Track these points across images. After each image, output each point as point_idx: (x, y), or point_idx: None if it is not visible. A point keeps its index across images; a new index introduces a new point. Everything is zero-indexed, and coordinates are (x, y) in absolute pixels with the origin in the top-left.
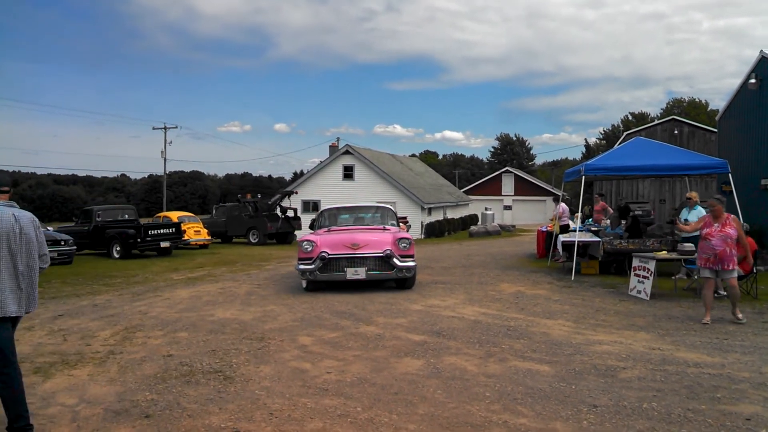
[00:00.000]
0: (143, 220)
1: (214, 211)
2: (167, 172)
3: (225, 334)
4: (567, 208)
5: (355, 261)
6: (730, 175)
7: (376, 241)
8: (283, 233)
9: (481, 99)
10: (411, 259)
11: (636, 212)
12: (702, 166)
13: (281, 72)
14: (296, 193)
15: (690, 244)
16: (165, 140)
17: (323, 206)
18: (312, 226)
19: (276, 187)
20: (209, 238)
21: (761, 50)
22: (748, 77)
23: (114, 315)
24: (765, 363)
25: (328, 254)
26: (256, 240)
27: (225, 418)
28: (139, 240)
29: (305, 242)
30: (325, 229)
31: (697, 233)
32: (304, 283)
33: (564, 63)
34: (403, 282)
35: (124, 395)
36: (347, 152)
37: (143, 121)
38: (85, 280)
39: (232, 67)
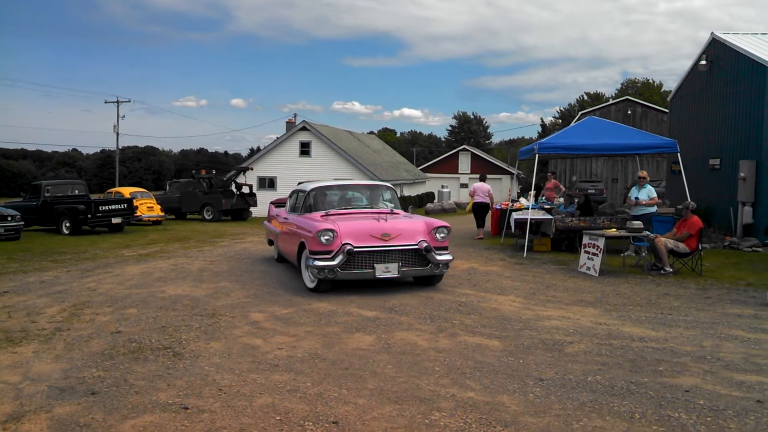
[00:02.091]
0: (94, 196)
1: (168, 187)
2: (120, 147)
3: (176, 310)
4: (484, 186)
5: (386, 255)
6: (678, 154)
7: (409, 230)
8: (239, 210)
9: (441, 77)
10: (447, 252)
11: (589, 191)
12: (652, 145)
13: (239, 46)
14: (251, 169)
15: (638, 222)
16: (118, 114)
17: (281, 182)
18: (296, 208)
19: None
20: (162, 214)
21: (712, 32)
22: (699, 59)
23: (62, 291)
24: (706, 337)
25: (354, 247)
26: (211, 217)
27: (173, 394)
28: (89, 216)
29: (324, 231)
30: (321, 213)
31: (646, 211)
32: (310, 283)
33: (523, 42)
34: (430, 279)
35: (70, 372)
36: (304, 128)
37: (96, 95)
38: (33, 256)
39: (188, 41)
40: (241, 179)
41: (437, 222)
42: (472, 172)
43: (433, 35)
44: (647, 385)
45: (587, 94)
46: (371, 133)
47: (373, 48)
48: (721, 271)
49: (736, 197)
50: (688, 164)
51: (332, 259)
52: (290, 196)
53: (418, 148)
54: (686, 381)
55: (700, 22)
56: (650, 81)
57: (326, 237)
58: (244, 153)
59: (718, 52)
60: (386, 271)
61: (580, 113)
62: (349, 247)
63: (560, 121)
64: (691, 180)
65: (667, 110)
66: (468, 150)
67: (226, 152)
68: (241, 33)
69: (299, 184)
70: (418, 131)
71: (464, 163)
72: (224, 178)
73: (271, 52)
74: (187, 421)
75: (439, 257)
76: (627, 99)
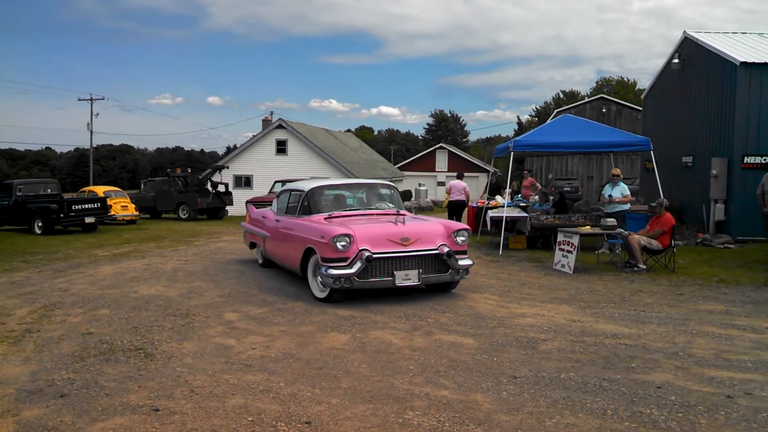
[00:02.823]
0: (67, 195)
1: (142, 186)
2: (95, 146)
3: (148, 310)
4: (460, 183)
5: (405, 261)
6: (651, 152)
7: (429, 233)
8: (214, 209)
9: (418, 75)
10: (467, 256)
11: (565, 188)
12: (626, 143)
13: (215, 43)
14: (227, 167)
15: (612, 220)
16: (91, 112)
17: (257, 181)
18: (290, 210)
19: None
20: (137, 213)
21: (684, 31)
22: (672, 57)
23: (32, 292)
24: (678, 333)
25: (373, 253)
26: (186, 215)
27: (144, 396)
28: (62, 215)
29: (340, 237)
30: (324, 215)
31: (619, 209)
32: (319, 293)
33: (499, 40)
34: (446, 286)
35: (39, 374)
36: (280, 126)
37: (69, 92)
38: (4, 256)
39: (163, 38)
40: (216, 178)
41: (457, 224)
42: (449, 170)
43: (409, 33)
44: (620, 382)
45: (563, 92)
46: (348, 131)
47: (350, 46)
48: (693, 267)
49: (708, 194)
50: (662, 162)
51: (349, 266)
52: (278, 197)
53: (395, 146)
54: (658, 377)
55: (673, 21)
56: (625, 79)
57: (343, 243)
58: (221, 151)
59: (690, 50)
60: (406, 278)
61: (555, 111)
62: (367, 253)
63: (536, 119)
64: (665, 177)
65: (641, 108)
66: (445, 148)
67: (202, 150)
68: (216, 30)
69: (283, 184)
70: (395, 129)
71: (441, 161)
72: (200, 177)
73: (247, 50)
74: (157, 423)
75: (460, 262)
76: (602, 97)
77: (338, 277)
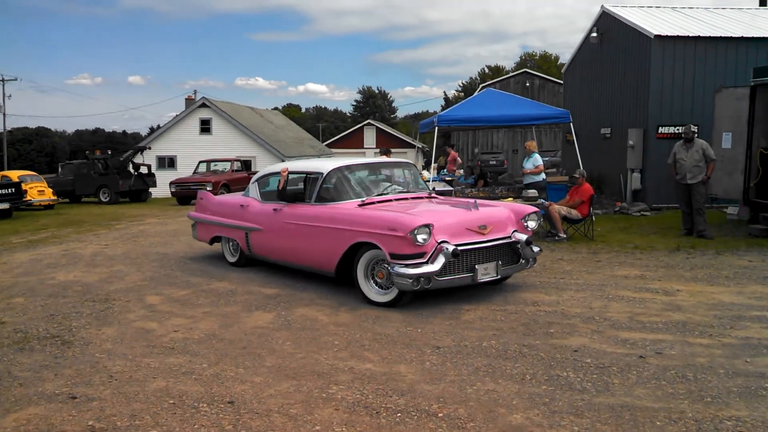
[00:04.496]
0: None
1: (60, 170)
2: (8, 129)
3: (66, 297)
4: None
5: (485, 253)
6: (571, 124)
7: (501, 219)
8: (137, 191)
9: (345, 51)
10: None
11: (490, 162)
12: (546, 116)
13: (134, 21)
14: (149, 148)
15: (533, 191)
16: (3, 94)
17: (181, 161)
18: (296, 197)
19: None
20: (55, 198)
21: (602, 5)
22: (591, 31)
23: None
24: (595, 299)
25: (457, 245)
26: (108, 199)
27: (61, 384)
28: None
29: (421, 228)
30: (356, 201)
31: (533, 180)
32: (380, 296)
33: (425, 16)
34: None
35: None
36: (204, 105)
37: None
38: None
39: (80, 15)
40: (138, 159)
41: (526, 208)
42: (377, 147)
43: (337, 10)
44: (539, 348)
45: (488, 67)
46: (275, 109)
47: (276, 22)
48: (611, 235)
49: (625, 164)
50: (582, 134)
51: (430, 262)
52: (258, 181)
53: (323, 124)
54: (575, 341)
55: None
56: (548, 54)
57: (424, 235)
58: (144, 132)
59: (607, 24)
60: (486, 272)
61: (480, 86)
62: (449, 246)
63: (462, 94)
64: (585, 149)
65: (562, 82)
66: (373, 124)
67: (124, 131)
68: (136, 6)
69: (208, 164)
70: (323, 106)
71: (369, 137)
72: (121, 159)
73: (168, 27)
74: (74, 411)
75: (534, 250)
76: (525, 71)
77: (418, 277)
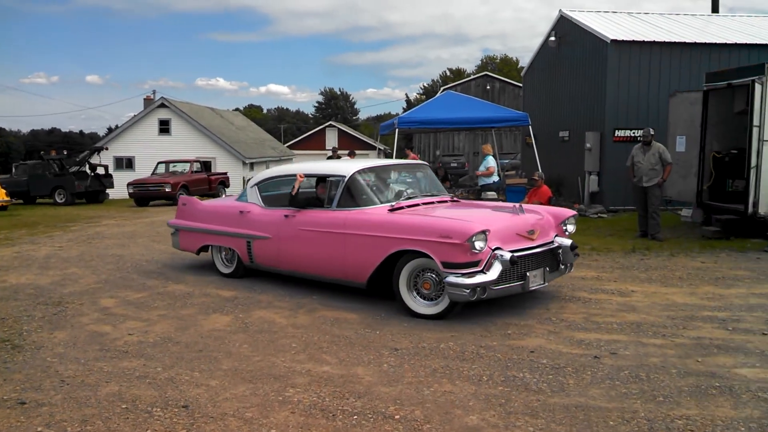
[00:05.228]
0: None
1: (14, 170)
2: None
3: (17, 300)
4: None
5: (534, 259)
6: (530, 127)
7: (544, 224)
8: (94, 192)
9: (307, 53)
10: None
11: (452, 164)
12: (506, 119)
13: (91, 20)
14: (106, 149)
15: (492, 193)
16: None
17: (139, 162)
18: (309, 203)
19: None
20: (8, 199)
21: (560, 9)
22: (549, 35)
23: None
24: (551, 300)
25: (513, 252)
26: (63, 200)
27: (9, 389)
28: None
29: (479, 234)
30: (386, 206)
31: (486, 181)
32: (425, 307)
33: (387, 18)
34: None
35: None
36: (163, 105)
37: None
38: None
39: (35, 14)
40: (95, 160)
41: (565, 211)
42: (339, 148)
43: (298, 11)
44: (496, 349)
45: (449, 70)
46: (237, 110)
47: (237, 23)
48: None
49: (583, 167)
50: (541, 136)
51: (486, 270)
52: (258, 185)
53: (285, 125)
54: (532, 342)
55: (555, 2)
56: (509, 57)
57: (481, 242)
58: (102, 132)
59: (565, 28)
60: (535, 279)
61: (442, 89)
62: (505, 253)
63: (424, 96)
64: (544, 151)
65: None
66: (335, 126)
67: (81, 132)
68: (93, 5)
69: (167, 165)
70: (285, 108)
71: (331, 139)
72: (77, 159)
73: (128, 26)
74: (23, 417)
75: (573, 256)
76: (486, 75)
77: (475, 287)
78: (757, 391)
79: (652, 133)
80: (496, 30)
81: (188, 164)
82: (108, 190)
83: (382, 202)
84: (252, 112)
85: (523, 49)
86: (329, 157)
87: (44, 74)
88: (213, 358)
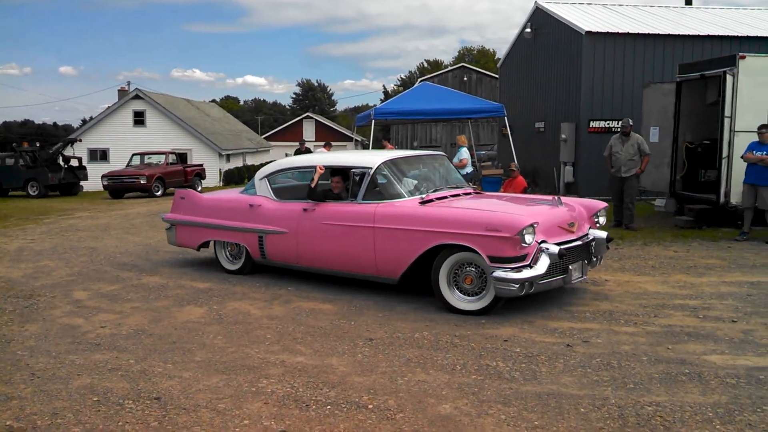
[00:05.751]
0: None
1: None
2: None
3: None
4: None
5: (575, 252)
6: (506, 118)
7: (580, 216)
8: (67, 184)
9: (285, 44)
10: None
11: None
12: (481, 110)
13: (66, 10)
14: (80, 141)
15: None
16: None
17: (114, 154)
18: (319, 195)
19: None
20: None
21: (536, 1)
22: (525, 27)
23: None
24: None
25: (559, 244)
26: (36, 192)
27: None
28: None
29: (530, 228)
30: (416, 199)
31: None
32: (467, 303)
33: (365, 10)
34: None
35: None
36: (137, 97)
37: None
38: None
39: (8, 3)
40: (69, 152)
41: (598, 203)
42: (316, 140)
43: (275, 1)
44: (470, 338)
45: (427, 61)
46: (213, 101)
47: (214, 13)
48: None
49: (558, 158)
50: (517, 128)
51: (534, 264)
52: (268, 177)
53: (262, 116)
54: (506, 331)
55: None
56: (486, 49)
57: (530, 236)
58: (76, 124)
59: (541, 20)
60: (575, 273)
61: (419, 80)
62: (552, 247)
63: (401, 88)
64: (520, 142)
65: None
66: (312, 117)
67: (55, 123)
68: None
69: (142, 157)
70: (262, 99)
71: (309, 130)
72: (50, 151)
73: (102, 17)
74: None
75: (605, 249)
76: (463, 66)
77: (523, 282)
78: (725, 377)
79: (631, 123)
80: (473, 21)
81: (163, 156)
82: (82, 183)
83: (411, 195)
84: (229, 104)
85: (500, 41)
86: (297, 150)
87: (16, 65)
88: (186, 350)
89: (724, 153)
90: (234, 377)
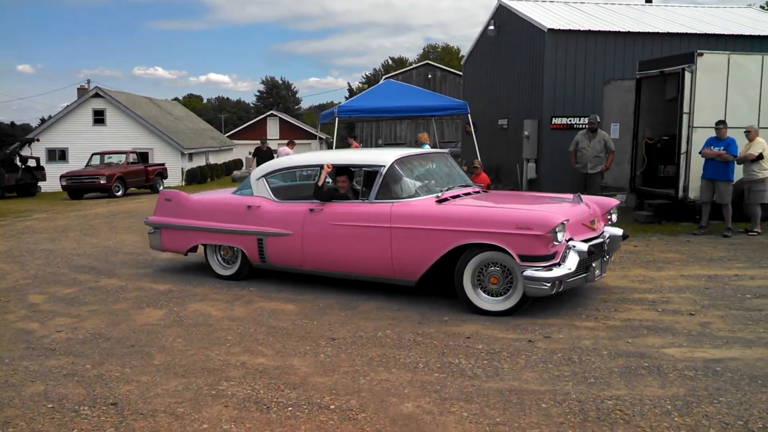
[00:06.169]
0: None
1: None
2: None
3: None
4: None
5: (598, 249)
6: (469, 115)
7: (598, 213)
8: (25, 185)
9: (248, 41)
10: None
11: None
12: (445, 107)
13: (25, 5)
14: (38, 140)
15: None
16: None
17: (73, 154)
18: (324, 194)
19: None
20: None
21: None
22: (488, 24)
23: None
24: None
25: (587, 241)
26: None
27: None
28: None
29: (560, 227)
30: (432, 197)
31: None
32: (493, 304)
33: (329, 7)
34: None
35: None
36: (97, 95)
37: None
38: None
39: None
40: (26, 152)
41: (610, 201)
42: (281, 138)
43: None
44: (433, 336)
45: (392, 59)
46: (176, 99)
47: (177, 10)
48: None
49: (521, 154)
50: (481, 125)
51: (563, 263)
52: (266, 177)
53: (226, 115)
54: (468, 328)
55: None
56: (450, 46)
57: (562, 233)
58: (34, 123)
59: (504, 17)
60: (597, 270)
61: (383, 78)
62: (580, 245)
63: (366, 85)
64: (484, 139)
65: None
66: (276, 115)
67: (12, 123)
68: None
69: (102, 156)
70: (225, 97)
71: (273, 128)
72: (7, 151)
73: (61, 13)
74: None
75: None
76: (427, 63)
77: (554, 281)
78: (684, 369)
79: (599, 120)
80: (438, 19)
81: (124, 155)
82: (40, 183)
83: (425, 193)
84: (192, 102)
85: (464, 38)
86: (258, 149)
87: None
88: (145, 353)
89: (683, 149)
90: (193, 380)
